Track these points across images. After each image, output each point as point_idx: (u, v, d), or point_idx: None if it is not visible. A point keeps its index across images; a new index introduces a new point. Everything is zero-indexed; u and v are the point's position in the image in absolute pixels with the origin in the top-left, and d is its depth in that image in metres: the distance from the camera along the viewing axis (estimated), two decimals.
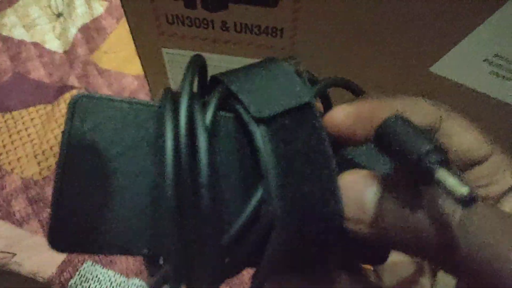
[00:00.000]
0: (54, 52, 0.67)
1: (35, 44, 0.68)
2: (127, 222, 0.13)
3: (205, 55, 0.46)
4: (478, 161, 0.17)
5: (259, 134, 0.14)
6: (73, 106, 0.15)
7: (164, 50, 0.45)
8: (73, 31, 0.68)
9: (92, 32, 0.70)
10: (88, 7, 0.72)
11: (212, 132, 0.14)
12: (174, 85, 0.51)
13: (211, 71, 0.47)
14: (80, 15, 0.70)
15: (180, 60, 0.46)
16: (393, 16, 0.34)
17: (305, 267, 0.15)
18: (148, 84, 0.53)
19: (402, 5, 0.33)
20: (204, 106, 0.15)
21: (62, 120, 0.57)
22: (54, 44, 0.69)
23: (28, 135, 0.56)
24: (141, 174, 0.14)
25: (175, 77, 0.49)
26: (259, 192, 0.14)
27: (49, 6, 0.73)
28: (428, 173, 0.12)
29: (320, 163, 0.14)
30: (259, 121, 0.14)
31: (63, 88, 0.61)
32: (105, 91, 0.62)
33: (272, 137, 0.14)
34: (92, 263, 0.45)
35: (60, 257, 0.45)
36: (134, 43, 0.45)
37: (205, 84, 0.18)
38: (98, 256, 0.46)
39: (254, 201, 0.14)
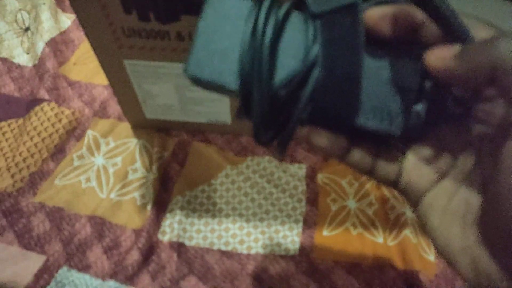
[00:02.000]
0: (24, 67, 0.69)
1: (4, 60, 0.69)
2: (229, 64, 0.21)
3: (165, 64, 0.48)
4: None
5: (317, 23, 0.21)
6: None
7: (125, 62, 0.48)
8: (41, 45, 0.70)
9: (60, 45, 0.71)
10: (55, 20, 0.74)
11: (283, 20, 0.21)
12: (140, 94, 0.53)
13: (172, 79, 0.50)
14: (47, 29, 0.72)
15: (142, 70, 0.49)
16: None
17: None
18: (115, 94, 0.55)
19: None
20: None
21: (34, 133, 0.58)
22: (23, 59, 0.70)
23: (1, 149, 0.57)
24: (238, 36, 0.21)
25: (139, 86, 0.52)
26: (310, 54, 0.21)
27: (16, 21, 0.75)
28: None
29: (352, 45, 0.20)
30: (316, 16, 0.21)
31: (34, 102, 0.63)
32: (76, 102, 0.64)
33: (323, 25, 0.21)
34: (68, 269, 0.47)
35: (36, 265, 0.47)
36: (97, 57, 0.47)
37: None
38: (74, 261, 0.48)
39: (305, 60, 0.21)
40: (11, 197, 0.52)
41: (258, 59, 0.20)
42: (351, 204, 0.54)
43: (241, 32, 0.21)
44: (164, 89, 0.52)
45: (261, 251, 0.50)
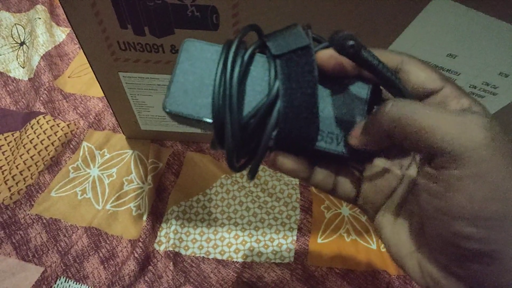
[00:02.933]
0: (19, 80, 0.70)
1: (0, 74, 0.70)
2: (202, 100, 0.24)
3: (160, 76, 0.49)
4: (431, 92, 0.22)
5: (277, 62, 0.24)
6: (184, 43, 0.25)
7: (120, 74, 0.48)
8: (36, 58, 0.70)
9: (54, 59, 0.72)
10: (50, 34, 0.75)
11: (248, 61, 0.24)
12: (134, 105, 0.54)
13: (165, 91, 0.51)
14: (42, 43, 0.72)
15: (137, 82, 0.50)
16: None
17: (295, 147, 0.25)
18: (110, 106, 0.56)
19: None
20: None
21: (30, 146, 0.59)
22: (18, 72, 0.71)
23: None
24: (209, 75, 0.24)
25: (134, 97, 0.52)
26: (273, 89, 0.24)
27: (11, 35, 0.75)
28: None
29: (307, 80, 0.24)
30: (276, 56, 0.24)
31: (30, 115, 0.63)
32: (71, 114, 0.65)
33: (283, 64, 0.24)
34: (66, 279, 0.48)
35: (34, 276, 0.48)
36: (92, 69, 0.48)
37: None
38: (71, 271, 0.48)
39: (269, 94, 0.23)
40: (9, 209, 0.53)
41: (229, 94, 0.23)
42: (345, 211, 0.55)
43: (213, 72, 0.24)
44: (159, 101, 0.53)
45: (256, 259, 0.50)
